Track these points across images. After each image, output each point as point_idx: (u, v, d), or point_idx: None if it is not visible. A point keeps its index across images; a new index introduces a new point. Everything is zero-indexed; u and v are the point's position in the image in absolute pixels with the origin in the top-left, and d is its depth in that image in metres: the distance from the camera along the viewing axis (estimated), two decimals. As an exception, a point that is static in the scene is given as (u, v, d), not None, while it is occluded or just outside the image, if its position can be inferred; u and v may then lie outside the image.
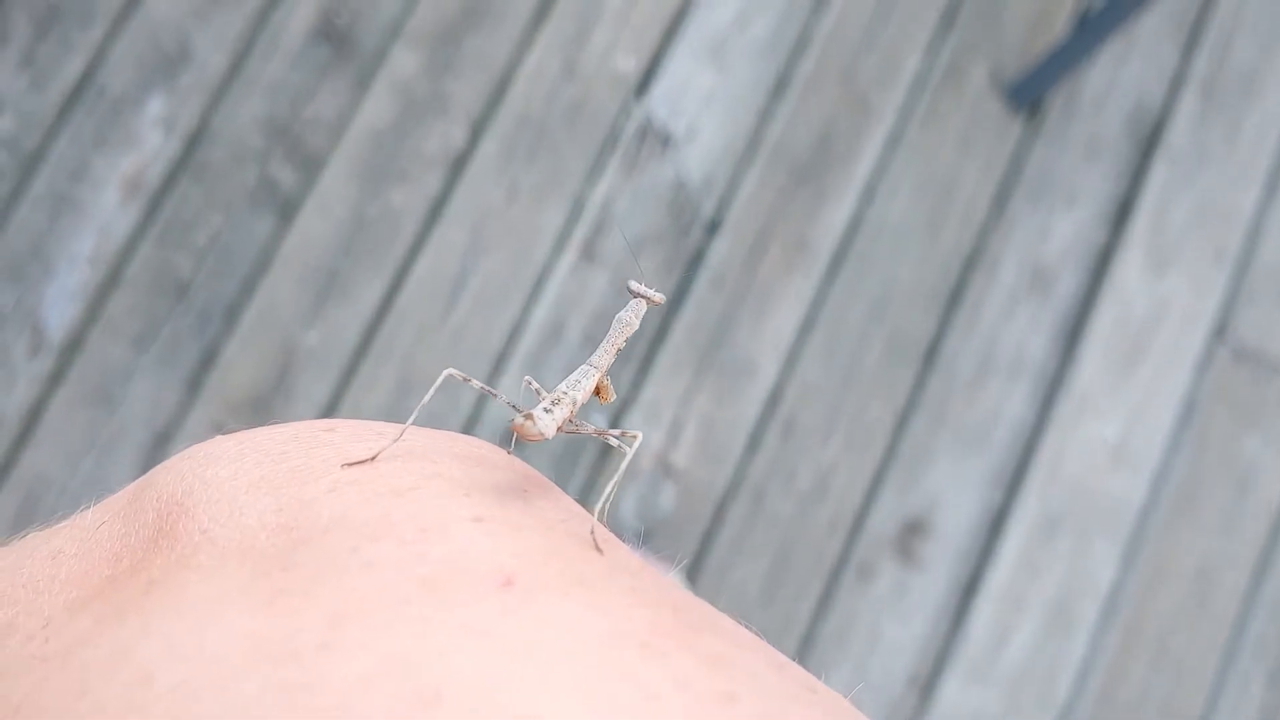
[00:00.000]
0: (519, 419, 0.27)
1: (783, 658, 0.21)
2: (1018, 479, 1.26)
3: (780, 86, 1.29)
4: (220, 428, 1.13)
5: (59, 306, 1.12)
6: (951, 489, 1.24)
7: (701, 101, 1.27)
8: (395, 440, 0.24)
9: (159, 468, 0.23)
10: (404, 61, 1.21)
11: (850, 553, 1.22)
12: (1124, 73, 1.36)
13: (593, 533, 0.22)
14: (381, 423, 0.25)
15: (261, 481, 0.21)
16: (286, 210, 1.17)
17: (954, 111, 1.32)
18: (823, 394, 1.24)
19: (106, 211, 1.14)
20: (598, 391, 0.31)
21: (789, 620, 1.19)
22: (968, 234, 1.30)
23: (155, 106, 1.16)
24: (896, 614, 1.21)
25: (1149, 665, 1.23)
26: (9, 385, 1.11)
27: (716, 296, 1.24)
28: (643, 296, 0.32)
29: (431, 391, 0.30)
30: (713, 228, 1.25)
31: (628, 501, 1.18)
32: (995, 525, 1.25)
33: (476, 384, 0.30)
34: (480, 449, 0.26)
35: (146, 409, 1.12)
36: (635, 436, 0.29)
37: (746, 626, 0.21)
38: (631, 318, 0.31)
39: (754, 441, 1.22)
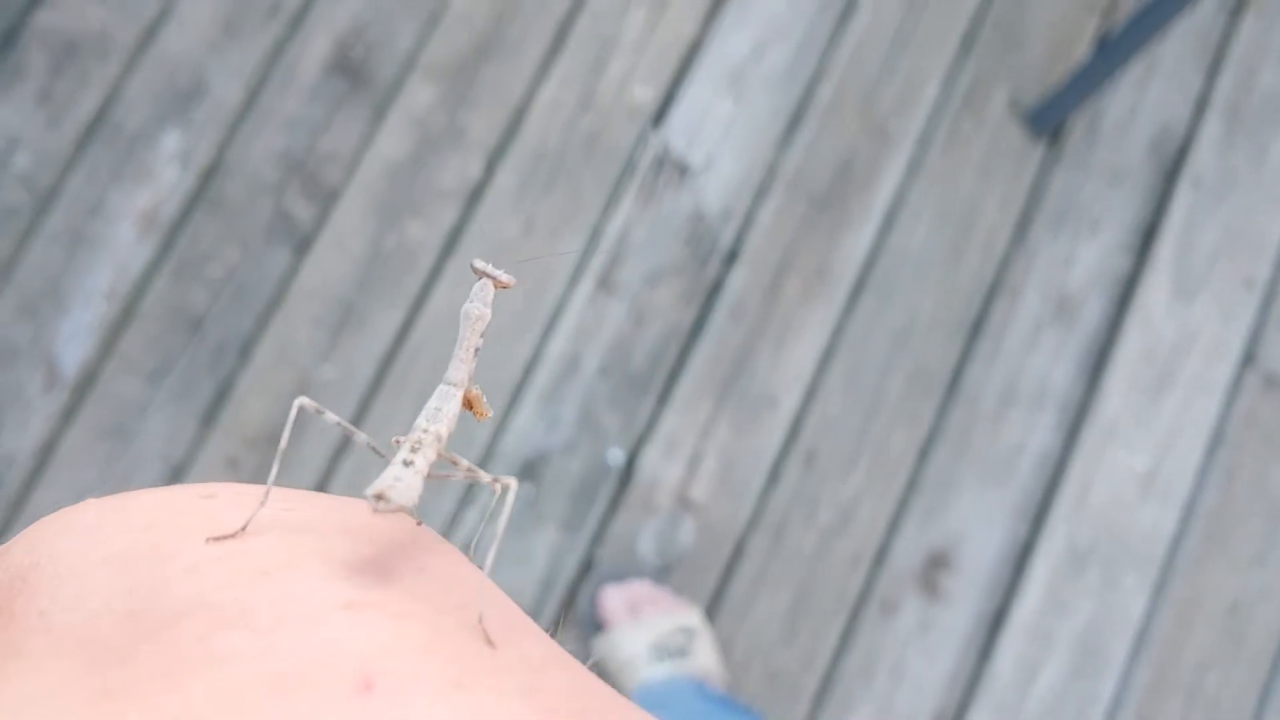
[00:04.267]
0: (370, 500, 0.22)
1: None
2: (1043, 511, 1.23)
3: (798, 116, 1.28)
4: (235, 462, 1.12)
5: (74, 342, 1.12)
6: (975, 521, 1.22)
7: (719, 131, 1.26)
8: (265, 506, 0.21)
9: (21, 534, 0.20)
10: (419, 94, 1.21)
11: (873, 587, 1.20)
12: (1146, 97, 1.35)
13: (481, 621, 0.19)
14: (281, 493, 0.22)
15: (116, 558, 0.19)
16: (302, 244, 1.16)
17: (974, 138, 1.30)
18: (844, 425, 1.22)
19: (122, 247, 1.14)
20: (469, 406, 0.27)
21: (811, 657, 1.17)
22: (990, 262, 1.28)
23: (171, 141, 1.16)
24: (921, 650, 1.19)
25: (1182, 705, 1.20)
26: (23, 421, 1.10)
27: (735, 327, 1.22)
28: (488, 276, 0.27)
29: (287, 432, 0.25)
30: (731, 258, 1.24)
31: (646, 537, 1.16)
32: (1021, 558, 1.22)
33: (332, 418, 0.25)
34: (377, 520, 0.23)
35: (161, 444, 1.12)
36: (509, 485, 0.24)
37: None
38: (480, 307, 0.27)
39: (774, 474, 1.20)
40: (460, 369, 0.26)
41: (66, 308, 1.12)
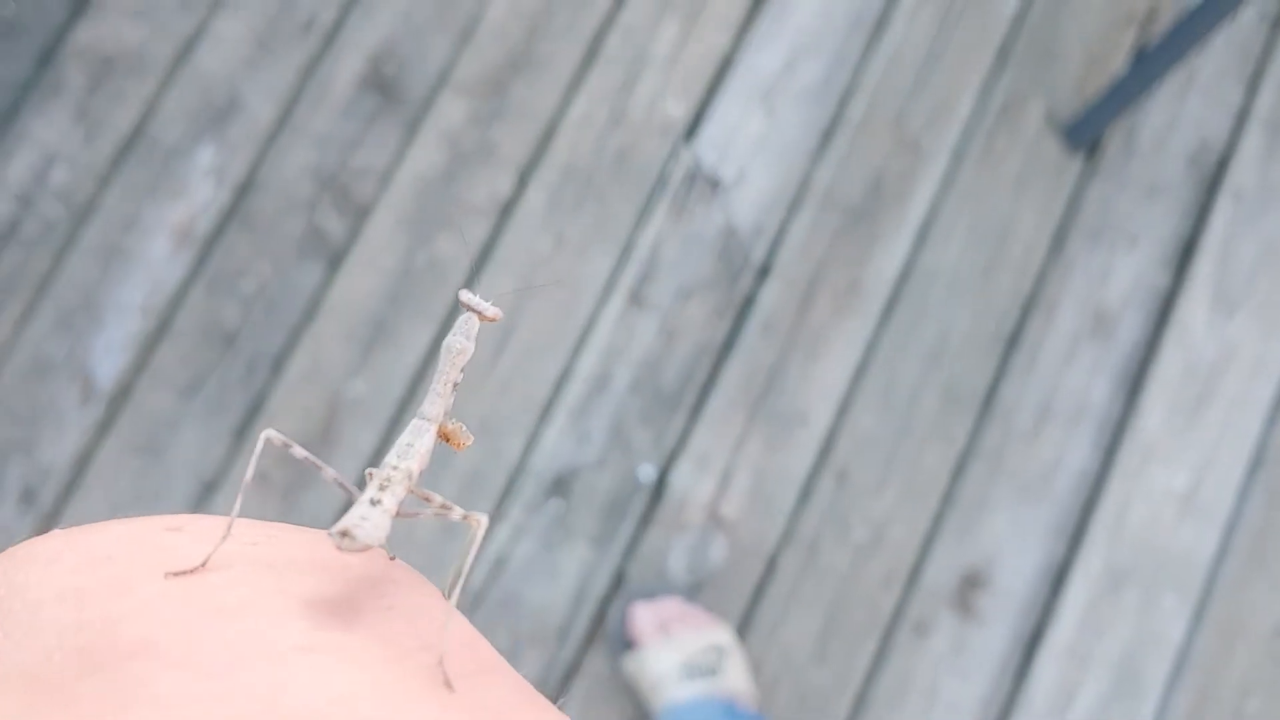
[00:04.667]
0: (336, 538, 0.21)
1: None
2: (1081, 530, 1.22)
3: (830, 130, 1.27)
4: (265, 477, 1.12)
5: (109, 356, 1.12)
6: (1011, 540, 1.20)
7: (751, 146, 1.25)
8: (231, 541, 0.20)
9: None
10: (451, 110, 1.21)
11: (906, 607, 1.18)
12: (1185, 109, 1.33)
13: (443, 663, 0.19)
14: (247, 525, 0.21)
15: (70, 591, 0.19)
16: (334, 259, 1.17)
17: (1009, 152, 1.29)
18: (877, 443, 1.21)
19: (156, 261, 1.14)
20: (447, 438, 0.26)
21: (843, 678, 1.15)
22: (1025, 277, 1.27)
23: (205, 157, 1.17)
24: (955, 671, 1.17)
25: (1224, 729, 1.18)
26: (60, 434, 1.11)
27: (767, 343, 1.21)
28: (474, 310, 0.27)
29: (253, 464, 0.25)
30: (763, 273, 1.23)
31: (677, 554, 1.15)
32: (1058, 578, 1.20)
33: (300, 452, 0.24)
34: (347, 556, 0.22)
35: (194, 458, 1.12)
36: (480, 522, 0.23)
37: None
38: (463, 341, 0.26)
39: (806, 492, 1.19)
40: (436, 404, 0.26)
41: (102, 322, 1.13)
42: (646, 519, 1.16)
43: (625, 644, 1.10)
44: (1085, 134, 1.28)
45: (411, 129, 1.20)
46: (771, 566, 1.17)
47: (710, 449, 1.18)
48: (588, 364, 1.18)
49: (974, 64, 1.30)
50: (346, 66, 1.20)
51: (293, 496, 1.12)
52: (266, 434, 0.24)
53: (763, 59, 1.28)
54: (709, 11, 1.28)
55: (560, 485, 1.15)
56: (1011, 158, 1.29)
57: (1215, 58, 1.33)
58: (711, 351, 1.20)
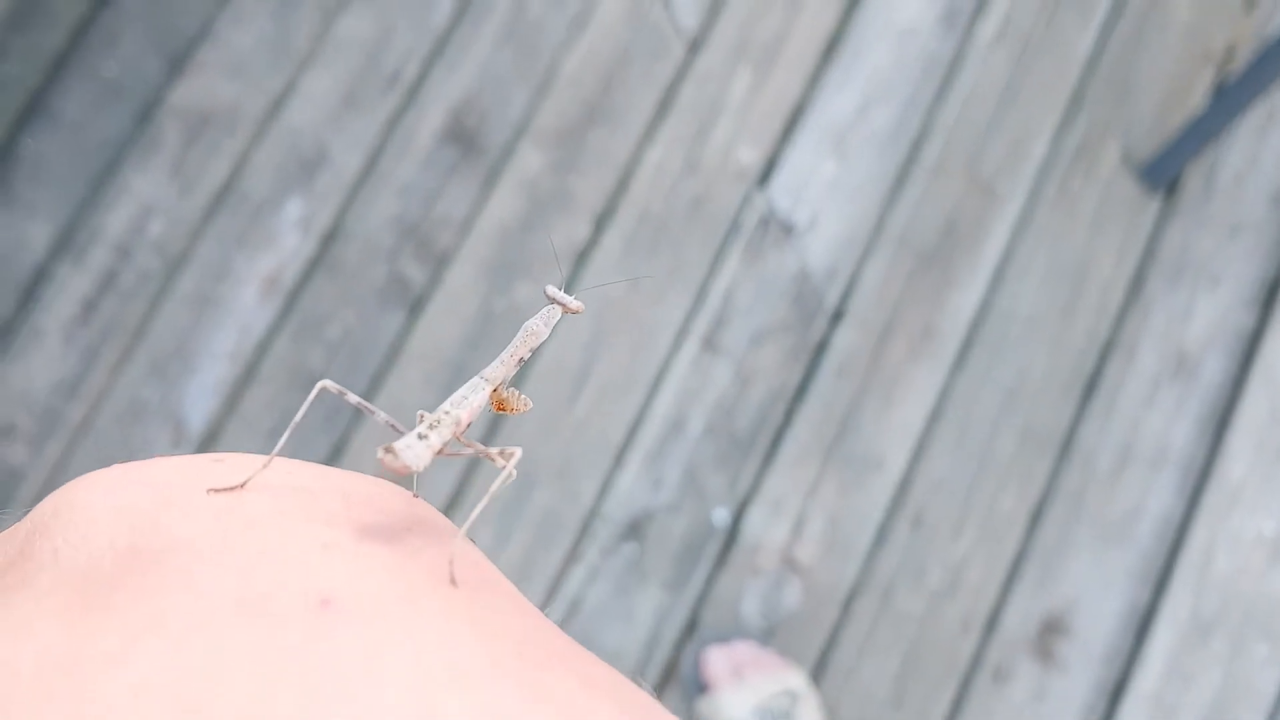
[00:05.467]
0: (380, 453, 0.25)
1: (640, 699, 0.20)
2: (1165, 576, 1.19)
3: (903, 174, 1.27)
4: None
5: (200, 401, 1.16)
6: (1093, 586, 1.18)
7: (824, 191, 1.26)
8: (266, 471, 0.23)
9: (52, 492, 0.23)
10: (529, 160, 1.24)
11: (985, 653, 1.17)
12: (1267, 146, 1.31)
13: (451, 564, 0.21)
14: (285, 461, 0.24)
15: (124, 506, 0.21)
16: (415, 306, 1.20)
17: (1085, 193, 1.28)
18: (953, 486, 1.20)
19: (245, 309, 1.18)
20: (501, 406, 0.28)
21: (921, 724, 1.14)
22: (1103, 318, 1.25)
23: (293, 209, 1.21)
24: (1036, 719, 1.15)
25: (1319, 785, 1.14)
26: (153, 476, 1.15)
27: (841, 387, 1.22)
28: (559, 303, 0.29)
29: (304, 408, 0.28)
30: (837, 317, 1.23)
31: (750, 598, 1.16)
32: (1142, 625, 1.18)
33: (353, 399, 0.27)
34: (376, 488, 0.24)
35: (280, 501, 1.15)
36: (514, 453, 0.26)
37: (640, 685, 0.20)
38: (541, 326, 0.29)
39: (881, 536, 1.18)
40: (499, 370, 0.28)
41: (194, 368, 1.17)
42: (720, 563, 1.16)
43: (699, 687, 1.11)
44: (1163, 173, 1.27)
45: (491, 178, 1.23)
46: (846, 611, 1.16)
47: (784, 493, 1.18)
48: (662, 408, 1.19)
49: (1048, 105, 1.30)
50: (429, 119, 1.24)
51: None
52: (323, 384, 0.27)
53: (836, 104, 1.29)
54: (782, 59, 1.29)
55: (635, 529, 1.16)
56: (1087, 198, 1.28)
57: (1298, 95, 1.31)
58: (785, 395, 1.21)
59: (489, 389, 0.28)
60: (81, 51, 1.22)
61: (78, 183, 1.19)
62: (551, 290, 0.29)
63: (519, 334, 0.28)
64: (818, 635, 1.15)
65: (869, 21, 1.31)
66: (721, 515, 1.17)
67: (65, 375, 1.15)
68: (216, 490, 0.22)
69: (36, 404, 1.14)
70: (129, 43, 1.22)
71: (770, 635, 1.15)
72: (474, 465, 1.16)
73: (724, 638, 1.13)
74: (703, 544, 1.17)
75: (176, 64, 1.22)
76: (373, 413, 0.27)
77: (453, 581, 0.21)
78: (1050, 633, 1.17)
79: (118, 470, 0.23)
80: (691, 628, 1.15)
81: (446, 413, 0.26)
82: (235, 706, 0.16)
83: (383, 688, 0.17)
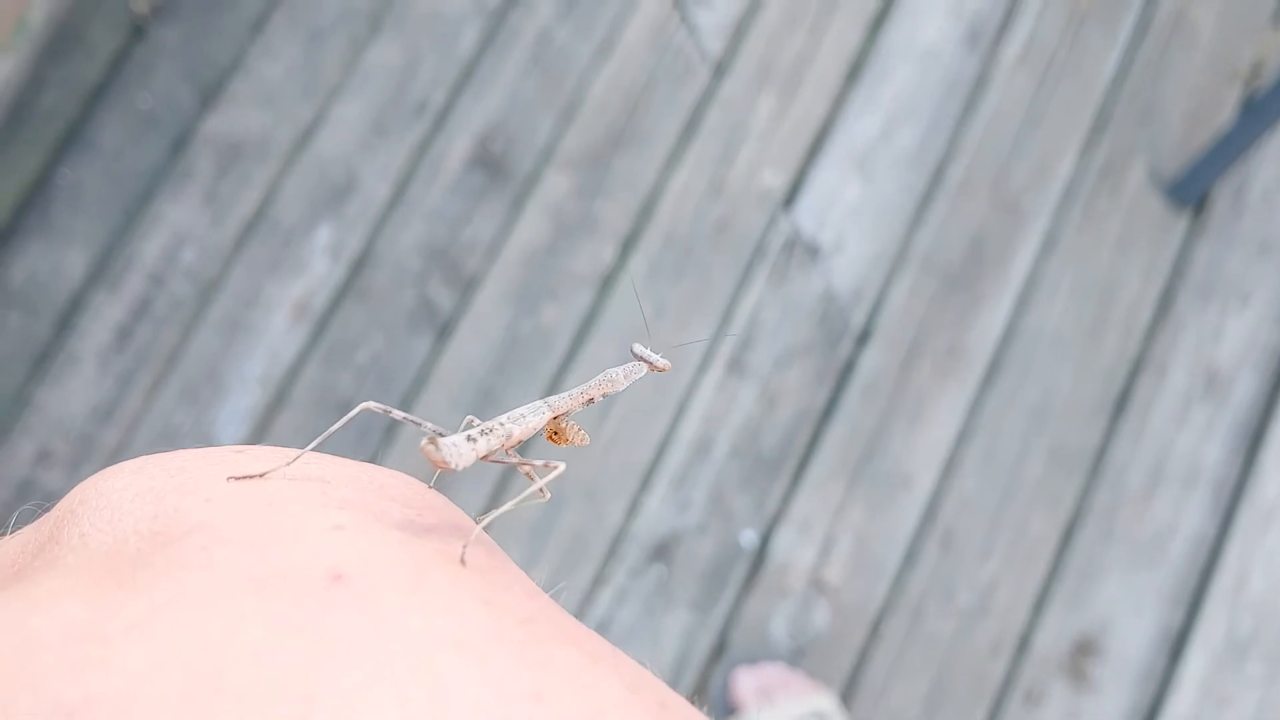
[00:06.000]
0: (425, 443, 0.25)
1: (644, 677, 0.20)
2: (1199, 597, 1.18)
3: (928, 195, 1.28)
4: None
5: (231, 425, 1.18)
6: (1125, 607, 1.17)
7: (849, 213, 1.27)
8: (290, 463, 0.24)
9: (80, 482, 0.24)
10: (555, 185, 1.25)
11: (1016, 674, 1.16)
12: (1297, 163, 1.30)
13: (463, 548, 0.22)
14: (306, 452, 0.25)
15: (148, 492, 0.22)
16: (444, 330, 1.21)
17: (1112, 212, 1.28)
18: (982, 506, 1.19)
19: (276, 335, 1.20)
20: (555, 436, 0.28)
21: (952, 747, 1.13)
22: (1132, 337, 1.25)
23: (323, 235, 1.23)
24: (1069, 742, 1.14)
25: (1359, 809, 1.12)
26: (186, 500, 1.16)
27: (868, 407, 1.21)
28: (646, 361, 0.29)
29: (344, 420, 0.28)
30: (863, 338, 1.24)
31: (779, 620, 1.15)
32: (1175, 647, 1.17)
33: (398, 414, 0.28)
34: (388, 478, 0.25)
35: (311, 524, 1.16)
36: (556, 467, 0.26)
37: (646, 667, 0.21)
38: (621, 378, 0.29)
39: (910, 556, 1.18)
40: (564, 401, 0.28)
41: (225, 393, 1.18)
42: (748, 584, 1.16)
43: (728, 710, 1.10)
44: (1191, 191, 1.26)
45: (518, 203, 1.24)
46: (875, 632, 1.16)
47: (812, 514, 1.18)
48: (689, 430, 1.20)
49: (1073, 124, 1.30)
50: (456, 146, 1.25)
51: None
52: (365, 405, 0.27)
53: (859, 126, 1.29)
54: (806, 82, 1.30)
55: (662, 551, 1.17)
56: (1114, 217, 1.28)
57: (1326, 111, 1.30)
58: (812, 417, 1.21)
59: (550, 415, 0.28)
60: (117, 84, 1.24)
61: (113, 211, 1.21)
62: (639, 349, 0.29)
63: (598, 377, 0.28)
64: (847, 657, 1.15)
65: (892, 44, 1.31)
66: (749, 537, 1.17)
67: (100, 401, 1.17)
68: (236, 478, 0.23)
69: (73, 429, 1.16)
70: (163, 75, 1.25)
71: (799, 657, 1.14)
72: (510, 480, 1.16)
73: (752, 659, 1.12)
74: (730, 565, 1.17)
75: (209, 95, 1.24)
76: (419, 424, 0.27)
77: (462, 562, 0.21)
78: (1082, 654, 1.16)
79: (141, 460, 0.24)
80: (720, 650, 1.14)
81: (501, 424, 0.27)
82: (250, 673, 0.17)
83: (390, 655, 0.18)
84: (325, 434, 0.27)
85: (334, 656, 0.17)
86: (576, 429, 0.28)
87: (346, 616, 0.18)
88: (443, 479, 0.27)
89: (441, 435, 0.26)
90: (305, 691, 0.17)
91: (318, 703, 0.17)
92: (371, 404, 0.27)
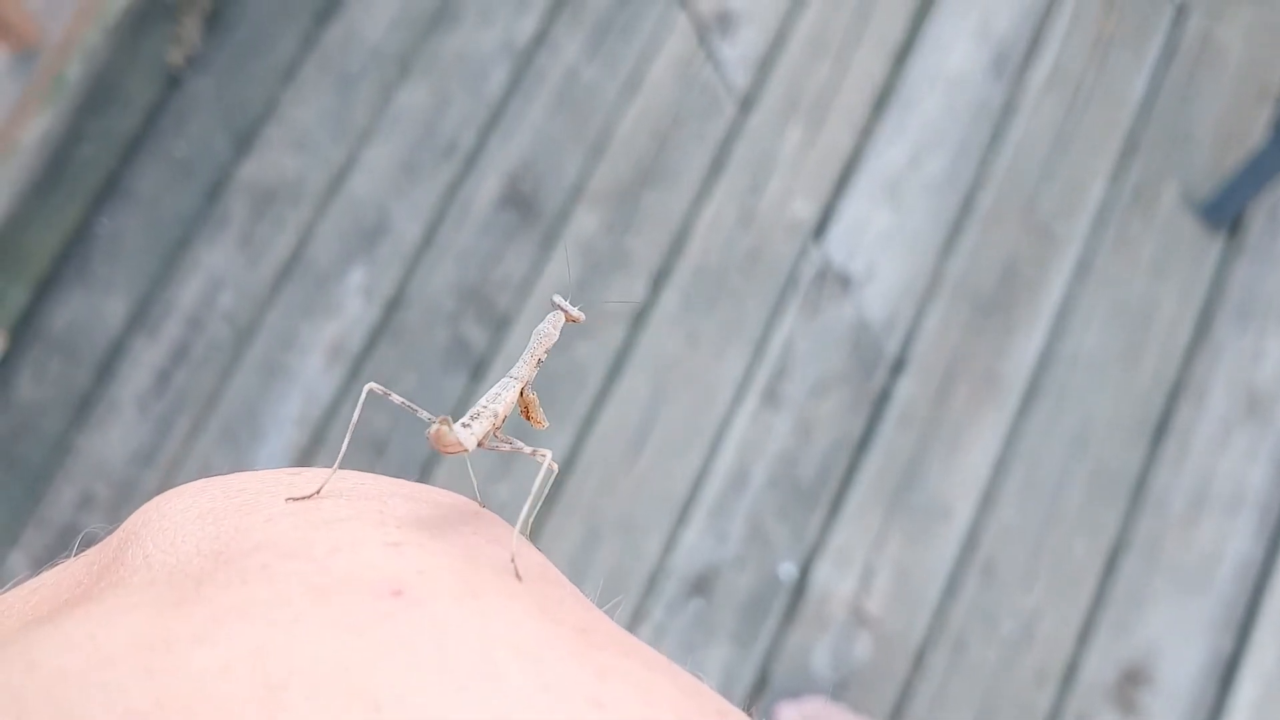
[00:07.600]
0: (433, 426, 0.27)
1: (701, 687, 0.20)
2: (1249, 623, 1.16)
3: (959, 222, 1.27)
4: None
5: (269, 466, 1.19)
6: (1173, 634, 1.15)
7: (879, 241, 1.27)
8: (337, 480, 0.25)
9: (142, 505, 0.25)
10: (585, 221, 1.26)
11: (1063, 705, 1.14)
12: (1331, 181, 1.29)
13: (513, 560, 0.23)
14: (359, 473, 0.26)
15: (209, 513, 0.23)
16: (477, 368, 1.22)
17: (1145, 235, 1.27)
18: (1023, 535, 1.18)
19: (311, 376, 1.21)
20: (527, 410, 0.31)
21: (1001, 781, 1.11)
22: (1170, 361, 1.23)
23: (357, 277, 1.24)
24: (1120, 774, 1.12)
25: None
26: (225, 543, 1.17)
27: (905, 436, 1.21)
28: (562, 310, 0.33)
29: (358, 410, 0.30)
30: (897, 367, 1.23)
31: (820, 652, 1.14)
32: (1226, 674, 1.14)
33: (397, 399, 0.31)
34: (441, 496, 0.26)
35: (349, 564, 1.16)
36: (546, 454, 0.29)
37: (696, 675, 0.21)
38: (550, 329, 0.32)
39: (951, 587, 1.16)
40: (523, 368, 0.31)
41: (263, 434, 1.19)
42: (789, 617, 1.15)
43: (772, 746, 1.09)
44: (1225, 212, 1.25)
45: (548, 241, 1.25)
46: (918, 663, 1.14)
47: (851, 544, 1.17)
48: (724, 462, 1.19)
49: (1103, 148, 1.30)
50: (486, 185, 1.27)
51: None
52: (369, 386, 0.30)
53: (888, 155, 1.29)
54: (833, 112, 1.30)
55: (701, 584, 1.16)
56: (1148, 240, 1.27)
57: (1360, 128, 1.29)
58: (848, 446, 1.20)
59: (518, 386, 0.31)
60: (153, 133, 1.26)
61: (151, 258, 1.23)
62: (559, 299, 0.33)
63: (533, 338, 0.32)
64: (890, 688, 1.14)
65: (918, 72, 1.32)
66: (788, 569, 1.16)
67: (141, 445, 1.18)
68: (295, 499, 0.23)
69: (114, 474, 1.17)
70: (198, 123, 1.27)
71: (842, 689, 1.13)
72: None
73: (795, 693, 1.11)
74: (770, 597, 1.16)
75: (243, 142, 1.26)
76: (415, 410, 0.31)
77: (517, 576, 0.22)
78: (1130, 683, 1.14)
79: (203, 482, 0.25)
80: (761, 683, 1.13)
81: (485, 407, 0.30)
82: (315, 673, 0.17)
83: (450, 655, 0.18)
84: (349, 430, 0.31)
85: (395, 657, 0.18)
86: (536, 402, 0.32)
87: (407, 620, 0.19)
88: (441, 480, 0.28)
89: (440, 420, 0.29)
90: (370, 690, 0.17)
91: (382, 701, 0.17)
92: (374, 385, 0.31)
